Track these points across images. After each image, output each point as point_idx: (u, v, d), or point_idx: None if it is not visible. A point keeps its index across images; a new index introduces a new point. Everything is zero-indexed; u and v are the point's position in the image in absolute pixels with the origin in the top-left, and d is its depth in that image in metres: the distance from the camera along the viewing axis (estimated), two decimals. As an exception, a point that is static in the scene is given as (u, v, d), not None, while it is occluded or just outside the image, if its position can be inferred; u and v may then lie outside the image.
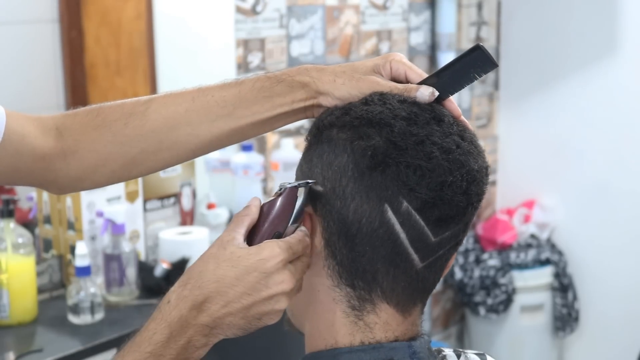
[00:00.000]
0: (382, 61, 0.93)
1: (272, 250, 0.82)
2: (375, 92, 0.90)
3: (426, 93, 0.89)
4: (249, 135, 1.01)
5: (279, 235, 0.85)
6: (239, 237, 0.84)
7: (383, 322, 0.87)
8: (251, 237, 0.86)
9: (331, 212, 0.85)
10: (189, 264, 2.20)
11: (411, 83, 0.92)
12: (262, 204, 0.87)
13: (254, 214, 0.86)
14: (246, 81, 0.99)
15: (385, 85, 0.91)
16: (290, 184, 0.86)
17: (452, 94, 0.92)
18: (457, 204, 0.84)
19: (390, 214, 0.83)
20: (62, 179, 1.06)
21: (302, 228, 0.87)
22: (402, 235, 0.84)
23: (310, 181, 0.86)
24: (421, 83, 0.91)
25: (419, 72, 0.93)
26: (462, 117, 0.92)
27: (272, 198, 0.87)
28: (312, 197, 0.87)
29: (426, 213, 0.84)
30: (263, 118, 0.98)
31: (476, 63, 0.91)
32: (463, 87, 0.93)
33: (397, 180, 0.83)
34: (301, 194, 0.86)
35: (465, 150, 0.86)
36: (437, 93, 0.90)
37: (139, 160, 1.04)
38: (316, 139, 0.89)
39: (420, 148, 0.83)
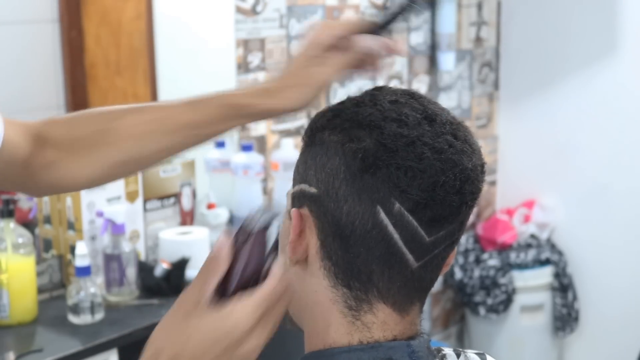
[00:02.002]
0: (315, 51, 1.00)
1: (242, 313, 0.77)
2: (367, 92, 0.90)
3: (403, 51, 1.00)
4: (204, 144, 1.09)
5: (257, 279, 0.80)
6: (206, 297, 0.78)
7: (380, 322, 0.87)
8: (223, 287, 0.79)
9: (325, 214, 0.85)
10: (189, 264, 2.21)
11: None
12: (229, 247, 0.80)
13: (222, 266, 0.79)
14: (210, 106, 1.03)
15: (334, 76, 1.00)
16: (256, 217, 0.80)
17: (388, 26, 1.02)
18: (450, 203, 0.84)
19: (382, 215, 0.83)
20: (42, 184, 1.10)
21: (275, 272, 0.80)
22: (396, 235, 0.83)
23: (275, 215, 0.81)
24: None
25: (343, 27, 1.02)
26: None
27: (241, 238, 0.80)
28: (306, 198, 0.87)
29: (419, 213, 0.83)
30: (221, 133, 1.06)
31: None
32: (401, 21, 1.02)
33: (388, 182, 0.82)
34: (273, 229, 0.81)
35: (458, 149, 0.85)
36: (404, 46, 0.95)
37: (113, 171, 1.09)
38: (310, 141, 0.89)
39: (411, 149, 0.83)
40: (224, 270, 0.79)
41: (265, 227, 0.81)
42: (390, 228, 0.83)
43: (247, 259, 0.79)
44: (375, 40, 1.01)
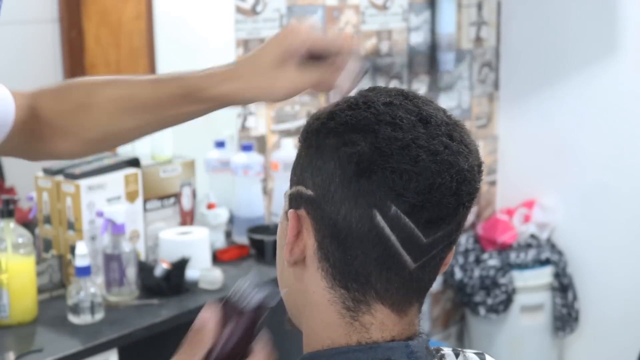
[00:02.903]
0: (285, 51, 0.93)
1: None
2: (360, 94, 0.90)
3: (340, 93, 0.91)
4: (173, 125, 1.07)
5: (242, 355, 0.81)
6: None
7: (379, 323, 0.87)
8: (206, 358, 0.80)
9: (322, 216, 0.85)
10: (189, 264, 2.21)
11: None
12: (215, 321, 0.80)
13: (208, 342, 0.80)
14: (171, 86, 1.01)
15: (306, 81, 0.93)
16: (248, 293, 0.80)
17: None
18: (447, 205, 0.84)
19: (379, 218, 0.83)
20: (36, 153, 1.15)
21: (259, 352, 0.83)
22: (393, 238, 0.83)
23: (269, 295, 0.82)
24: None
25: (324, 42, 0.94)
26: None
27: (229, 312, 0.79)
28: (303, 200, 0.87)
29: (415, 216, 0.83)
30: (184, 117, 1.04)
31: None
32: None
33: (383, 186, 0.82)
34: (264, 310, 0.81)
35: (454, 150, 0.84)
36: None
37: (93, 145, 1.11)
38: (306, 144, 0.89)
39: (406, 152, 0.83)
40: (209, 346, 0.80)
41: (258, 307, 0.81)
42: (387, 231, 0.83)
43: (235, 337, 0.80)
44: (356, 71, 0.93)
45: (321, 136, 0.87)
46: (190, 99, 0.99)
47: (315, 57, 0.94)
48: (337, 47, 0.92)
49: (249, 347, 0.81)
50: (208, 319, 0.80)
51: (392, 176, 0.82)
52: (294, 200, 0.88)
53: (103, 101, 1.06)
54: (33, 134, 1.10)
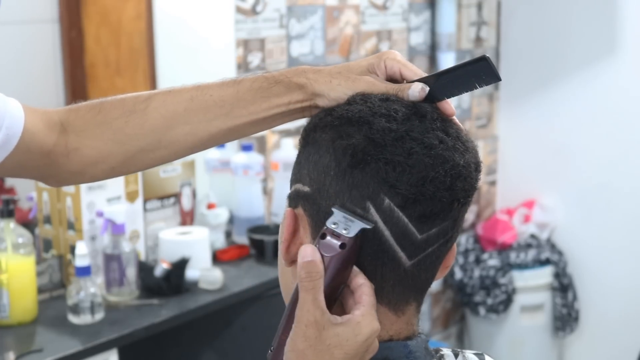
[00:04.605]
0: (377, 60, 0.93)
1: (367, 320, 0.81)
2: (359, 92, 0.90)
3: (416, 90, 0.89)
4: (245, 133, 1.02)
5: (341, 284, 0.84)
6: (327, 315, 0.81)
7: None
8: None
9: (318, 212, 0.85)
10: (189, 264, 2.20)
11: (407, 81, 0.92)
12: (320, 257, 0.82)
13: (322, 279, 0.81)
14: (244, 81, 0.99)
15: (381, 85, 0.91)
16: (345, 229, 0.82)
17: (448, 97, 0.90)
18: (440, 199, 0.83)
19: (372, 211, 0.83)
20: (63, 173, 1.08)
21: (356, 273, 0.84)
22: (387, 232, 0.83)
23: (368, 226, 0.82)
24: (419, 82, 0.91)
25: (414, 69, 0.92)
26: (455, 118, 0.91)
27: (333, 244, 0.82)
28: (300, 197, 0.87)
29: (408, 209, 0.83)
30: (260, 118, 0.99)
31: (479, 73, 0.89)
32: (461, 94, 0.91)
33: (376, 177, 0.82)
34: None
35: (449, 145, 0.84)
36: (427, 89, 0.89)
37: (137, 158, 1.05)
38: (304, 142, 0.89)
39: (400, 144, 0.83)
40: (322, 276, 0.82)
41: (356, 235, 0.82)
42: (381, 224, 0.83)
43: (341, 265, 0.82)
44: (422, 93, 0.89)
45: (318, 131, 0.87)
46: (264, 90, 0.96)
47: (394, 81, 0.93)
48: (417, 76, 0.91)
49: (348, 274, 0.83)
50: (314, 251, 0.81)
51: (385, 167, 0.82)
52: (292, 199, 0.89)
53: (155, 106, 1.02)
54: (62, 151, 1.04)
